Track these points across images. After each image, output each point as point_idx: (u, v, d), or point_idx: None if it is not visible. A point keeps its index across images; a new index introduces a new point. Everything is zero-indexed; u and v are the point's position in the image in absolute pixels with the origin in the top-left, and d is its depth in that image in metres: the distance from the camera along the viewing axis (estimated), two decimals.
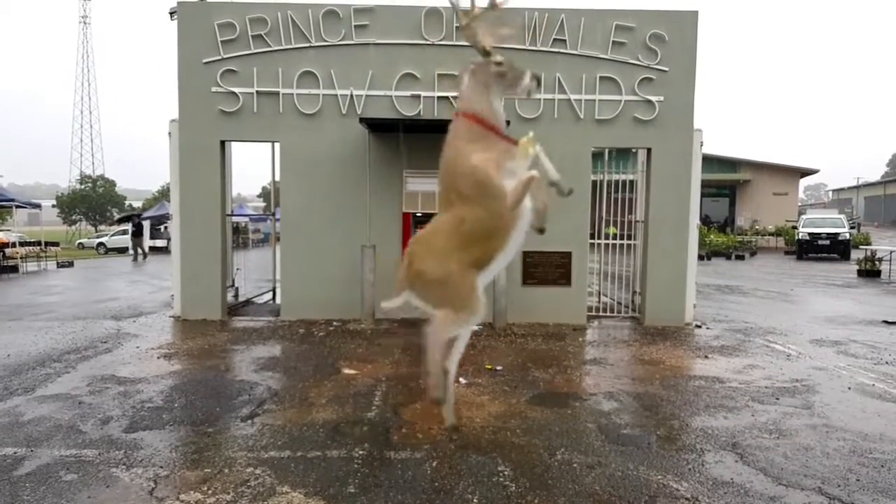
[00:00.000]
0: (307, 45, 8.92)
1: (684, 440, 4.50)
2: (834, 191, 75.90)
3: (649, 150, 9.14)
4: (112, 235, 35.02)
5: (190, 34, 8.96)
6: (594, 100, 8.97)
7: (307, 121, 9.00)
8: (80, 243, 37.35)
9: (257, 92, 8.95)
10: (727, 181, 35.04)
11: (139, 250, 24.87)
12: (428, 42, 8.86)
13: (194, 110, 9.00)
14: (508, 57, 3.97)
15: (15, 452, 4.11)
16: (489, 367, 6.45)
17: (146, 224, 28.69)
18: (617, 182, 10.01)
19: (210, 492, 3.56)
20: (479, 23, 3.96)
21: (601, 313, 9.82)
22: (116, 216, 34.25)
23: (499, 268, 4.14)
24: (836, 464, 4.06)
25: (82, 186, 57.77)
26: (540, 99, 8.88)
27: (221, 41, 8.88)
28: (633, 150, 10.21)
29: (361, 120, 8.53)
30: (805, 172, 37.40)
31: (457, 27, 4.25)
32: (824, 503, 3.51)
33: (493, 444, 4.33)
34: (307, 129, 9.01)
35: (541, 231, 3.99)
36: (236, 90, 8.93)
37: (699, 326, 9.04)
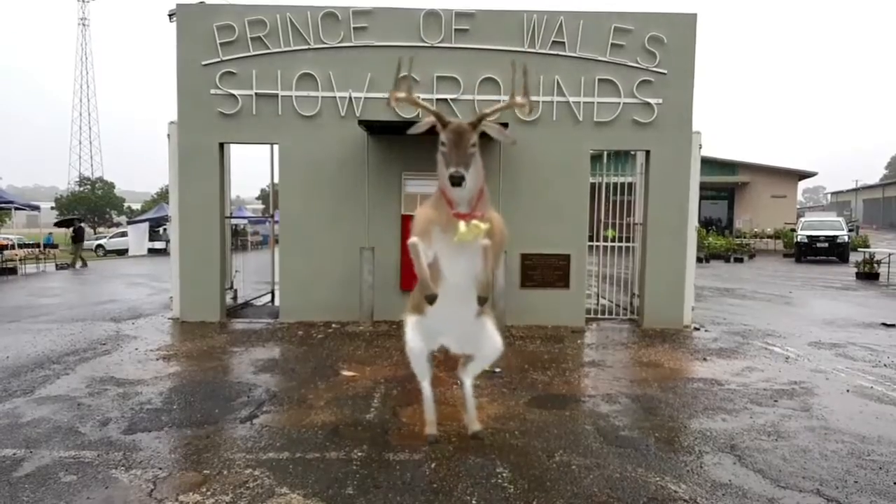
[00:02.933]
0: (306, 47, 8.93)
1: (683, 442, 4.51)
2: (832, 193, 76.03)
3: (648, 153, 9.16)
4: (111, 237, 35.01)
5: (189, 36, 8.97)
6: (593, 102, 8.99)
7: (306, 123, 9.01)
8: None
9: (256, 94, 8.96)
10: (726, 184, 35.06)
11: (78, 257, 22.02)
12: (427, 44, 8.87)
13: (193, 112, 9.01)
14: (457, 138, 3.52)
15: (14, 454, 4.11)
16: (488, 369, 6.44)
17: (87, 229, 27.17)
18: (615, 184, 10.02)
19: (209, 493, 3.57)
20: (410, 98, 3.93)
21: (600, 316, 9.83)
22: (54, 220, 31.05)
23: (439, 320, 3.93)
24: (835, 466, 4.07)
25: (81, 188, 57.78)
26: (539, 101, 8.90)
27: (220, 43, 8.89)
28: (632, 153, 10.23)
29: (360, 122, 8.54)
30: (803, 175, 37.45)
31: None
32: None
33: (491, 446, 4.33)
34: (306, 131, 9.02)
35: (481, 301, 3.79)
36: (235, 92, 8.93)
37: (698, 329, 9.05)
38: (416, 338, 4.03)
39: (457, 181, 3.42)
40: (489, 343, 4.05)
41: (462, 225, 3.52)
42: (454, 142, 3.52)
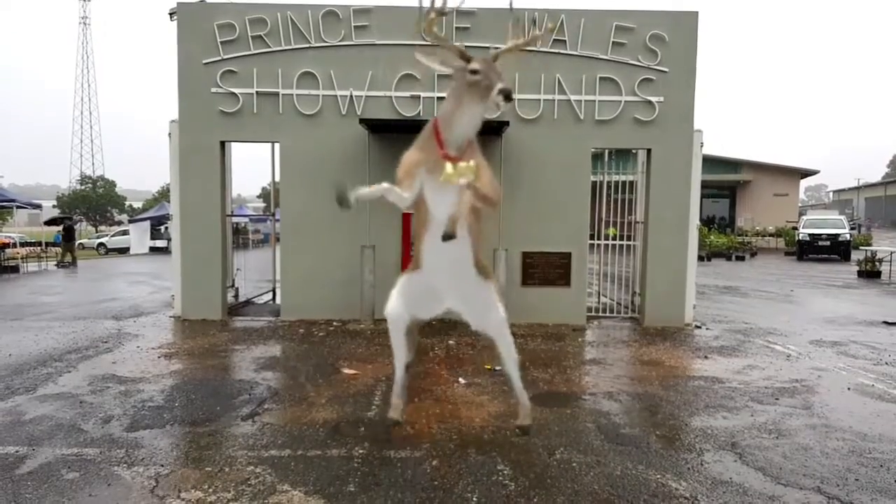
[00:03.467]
0: (307, 45, 8.93)
1: (683, 440, 4.51)
2: (834, 192, 75.90)
3: (649, 151, 9.15)
4: (112, 236, 35.05)
5: (190, 35, 8.97)
6: (594, 100, 8.98)
7: (307, 121, 9.02)
8: (80, 244, 37.35)
9: (257, 92, 8.96)
10: (727, 182, 35.01)
11: (69, 256, 21.19)
12: (428, 43, 8.84)
13: (194, 111, 9.02)
14: (489, 64, 3.58)
15: (17, 451, 4.12)
16: (488, 366, 6.46)
17: (77, 228, 26.03)
18: (617, 183, 10.02)
19: (211, 490, 3.58)
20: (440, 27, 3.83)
21: (601, 314, 9.83)
22: (44, 219, 28.61)
23: (433, 271, 3.90)
24: (835, 463, 4.07)
25: (82, 187, 57.81)
26: (540, 99, 8.91)
27: (221, 42, 8.89)
28: (633, 151, 10.22)
29: (361, 121, 8.54)
30: (805, 173, 37.39)
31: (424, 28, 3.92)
32: (823, 502, 3.52)
33: (492, 444, 4.35)
34: (307, 129, 9.02)
35: (445, 237, 3.73)
36: (236, 91, 8.94)
37: (699, 327, 9.05)
38: (398, 302, 3.97)
39: (508, 94, 3.44)
40: (493, 313, 3.98)
41: (449, 166, 3.53)
42: (490, 65, 3.56)
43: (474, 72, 3.54)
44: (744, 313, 10.45)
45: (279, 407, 5.16)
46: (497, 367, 6.39)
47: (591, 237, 9.49)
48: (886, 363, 6.94)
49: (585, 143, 9.09)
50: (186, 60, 8.98)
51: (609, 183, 9.93)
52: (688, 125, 9.03)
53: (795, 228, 28.30)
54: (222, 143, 9.17)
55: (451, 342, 7.68)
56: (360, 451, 4.18)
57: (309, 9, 8.88)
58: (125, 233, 33.74)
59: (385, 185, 3.57)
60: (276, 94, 8.97)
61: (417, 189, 3.69)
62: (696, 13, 9.00)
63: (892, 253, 17.85)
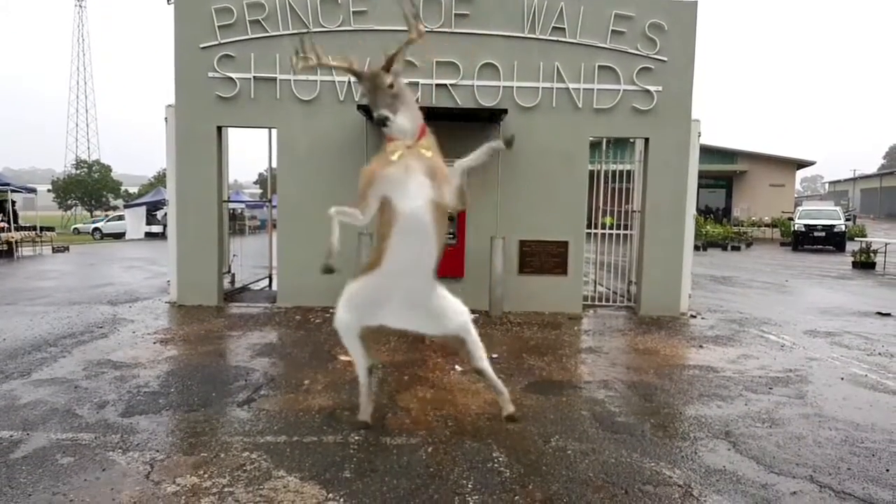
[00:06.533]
0: (305, 30, 8.86)
1: (678, 428, 4.54)
2: (830, 183, 75.94)
3: (647, 140, 9.14)
4: (108, 221, 34.91)
5: (187, 19, 8.89)
6: (592, 89, 8.95)
7: (304, 107, 8.97)
8: (75, 228, 37.23)
9: (254, 77, 8.90)
10: (724, 172, 35.03)
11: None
12: (426, 29, 8.78)
13: (191, 95, 8.95)
14: (369, 77, 3.82)
15: (11, 436, 4.12)
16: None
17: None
18: (614, 172, 10.01)
19: (206, 476, 3.58)
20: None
21: (597, 303, 9.85)
22: None
23: (397, 269, 3.86)
24: (828, 453, 4.10)
25: (78, 171, 57.43)
26: (538, 87, 8.87)
27: (219, 26, 8.82)
28: (631, 140, 10.21)
29: (359, 107, 8.49)
30: (802, 164, 37.43)
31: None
32: (815, 491, 3.54)
33: (488, 431, 4.36)
34: (304, 115, 8.98)
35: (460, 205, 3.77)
36: (233, 75, 8.88)
37: (694, 316, 9.07)
38: (345, 312, 4.05)
39: (381, 122, 3.62)
40: (454, 311, 3.95)
41: (399, 150, 3.67)
42: (369, 88, 3.73)
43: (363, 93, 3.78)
44: (739, 303, 10.48)
45: (275, 393, 5.17)
46: (493, 356, 6.40)
47: (588, 226, 9.50)
48: (879, 353, 6.98)
49: (583, 132, 9.07)
50: (183, 44, 8.91)
51: (606, 172, 9.92)
52: (686, 115, 9.01)
53: (791, 219, 28.35)
54: (219, 129, 9.12)
55: None
56: (356, 438, 4.19)
57: None
58: (121, 218, 33.60)
59: (332, 210, 3.73)
60: (274, 79, 8.91)
61: (374, 209, 3.77)
62: (696, 2, 8.95)
63: (887, 244, 17.89)
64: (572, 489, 3.51)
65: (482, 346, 4.07)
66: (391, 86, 3.67)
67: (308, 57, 3.94)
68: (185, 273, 9.18)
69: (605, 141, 9.89)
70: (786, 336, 7.84)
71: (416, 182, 3.63)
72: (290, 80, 8.90)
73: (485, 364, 4.05)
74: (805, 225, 25.19)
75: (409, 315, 4.05)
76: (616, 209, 10.07)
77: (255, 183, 63.47)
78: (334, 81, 8.89)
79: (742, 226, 30.58)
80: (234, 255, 11.15)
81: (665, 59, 8.90)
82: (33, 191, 24.20)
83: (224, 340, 7.12)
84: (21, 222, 22.03)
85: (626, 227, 9.96)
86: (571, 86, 8.93)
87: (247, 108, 8.99)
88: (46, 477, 3.54)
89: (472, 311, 4.17)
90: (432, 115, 3.73)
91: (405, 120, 3.69)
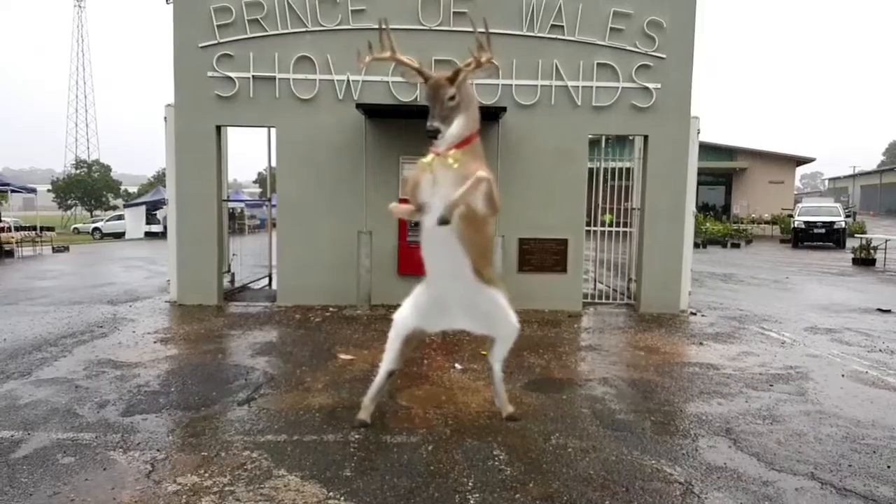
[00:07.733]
0: (304, 29, 8.85)
1: (678, 426, 4.54)
2: (830, 179, 75.93)
3: (646, 138, 9.13)
4: (108, 220, 34.90)
5: (186, 18, 8.88)
6: (591, 86, 8.94)
7: (303, 106, 8.96)
8: (75, 228, 37.25)
9: (253, 77, 8.89)
10: (723, 169, 35.02)
11: None
12: (425, 27, 8.81)
13: (190, 95, 8.95)
14: (432, 85, 3.80)
15: (12, 435, 4.12)
16: (484, 353, 6.41)
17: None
18: (613, 169, 10.00)
19: (207, 475, 3.58)
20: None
21: (597, 300, 9.85)
22: None
23: (436, 280, 3.91)
24: (829, 449, 4.10)
25: (77, 171, 57.41)
26: (537, 85, 8.87)
27: (217, 25, 8.80)
28: (630, 138, 10.20)
29: (358, 106, 8.49)
30: (801, 161, 37.39)
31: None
32: (817, 488, 3.55)
33: (488, 429, 4.36)
34: (303, 114, 8.97)
35: (441, 221, 3.73)
36: (232, 75, 8.87)
37: (694, 314, 9.07)
38: (407, 310, 4.02)
39: (432, 135, 3.57)
40: (504, 323, 4.03)
41: (430, 157, 3.64)
42: (430, 97, 3.71)
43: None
44: (739, 300, 10.48)
45: (275, 392, 5.17)
46: None
47: (588, 224, 9.49)
48: (880, 350, 6.98)
49: (582, 130, 9.06)
50: (182, 44, 8.90)
51: (606, 169, 9.92)
52: (685, 112, 9.01)
53: (791, 216, 28.32)
54: (218, 128, 9.11)
55: None
56: (357, 437, 4.19)
57: None
58: (120, 217, 33.60)
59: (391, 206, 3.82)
60: (273, 78, 8.90)
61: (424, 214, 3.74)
62: None
63: (887, 241, 17.89)
64: (573, 487, 3.51)
65: (508, 351, 4.16)
66: (452, 97, 3.66)
67: (384, 51, 3.93)
68: (185, 272, 9.17)
69: (604, 138, 9.88)
70: (786, 333, 7.84)
71: (440, 195, 3.59)
72: (288, 79, 8.89)
73: (498, 366, 4.15)
74: (805, 222, 25.16)
75: (464, 318, 4.08)
76: (615, 207, 10.06)
77: (255, 182, 63.46)
78: (333, 80, 8.88)
79: (742, 223, 30.58)
80: (233, 255, 11.15)
81: (664, 56, 8.89)
82: (33, 191, 24.21)
83: (224, 339, 7.12)
84: (2, 222, 21.62)
85: (625, 225, 9.96)
86: (570, 83, 8.92)
87: (246, 108, 8.98)
88: (47, 477, 3.54)
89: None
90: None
91: (457, 128, 3.65)
